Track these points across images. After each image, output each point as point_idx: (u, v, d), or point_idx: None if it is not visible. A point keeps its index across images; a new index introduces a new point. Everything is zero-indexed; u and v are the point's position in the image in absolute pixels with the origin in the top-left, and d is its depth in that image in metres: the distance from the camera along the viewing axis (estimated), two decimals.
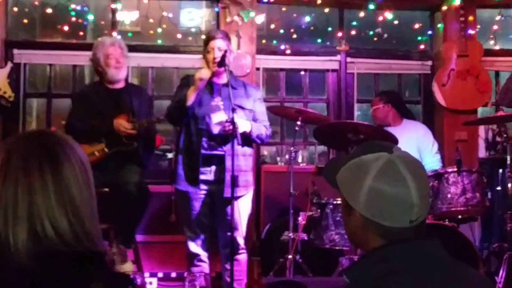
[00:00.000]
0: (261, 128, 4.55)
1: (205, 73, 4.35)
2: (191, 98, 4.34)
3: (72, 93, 6.21)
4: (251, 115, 4.55)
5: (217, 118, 4.32)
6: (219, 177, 4.41)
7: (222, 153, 4.38)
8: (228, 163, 4.27)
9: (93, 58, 5.00)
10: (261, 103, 4.69)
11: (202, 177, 4.43)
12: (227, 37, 4.59)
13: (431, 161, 5.57)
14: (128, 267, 4.73)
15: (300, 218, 4.81)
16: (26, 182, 1.42)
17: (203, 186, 4.44)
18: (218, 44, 4.46)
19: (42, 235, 1.39)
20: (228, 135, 4.27)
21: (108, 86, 5.02)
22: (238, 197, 4.42)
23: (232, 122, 4.17)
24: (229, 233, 4.28)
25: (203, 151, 4.41)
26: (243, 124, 4.35)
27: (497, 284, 4.47)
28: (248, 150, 4.57)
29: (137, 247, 5.07)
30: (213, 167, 4.44)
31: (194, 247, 4.49)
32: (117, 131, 4.74)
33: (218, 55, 4.41)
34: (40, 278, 1.37)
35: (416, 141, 5.62)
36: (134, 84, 5.40)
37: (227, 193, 4.27)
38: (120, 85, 5.04)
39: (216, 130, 4.33)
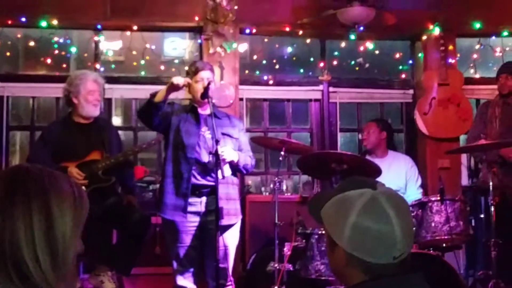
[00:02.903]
0: (247, 158, 4.59)
1: (180, 80, 4.36)
2: (160, 96, 4.33)
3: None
4: (237, 144, 4.59)
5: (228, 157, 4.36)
6: (209, 208, 4.40)
7: (212, 182, 4.37)
8: (219, 192, 4.24)
9: (72, 89, 4.88)
10: (244, 134, 4.76)
11: (192, 209, 4.41)
12: (212, 69, 4.64)
13: (415, 193, 5.64)
14: None
15: (285, 249, 4.79)
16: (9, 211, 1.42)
17: (193, 218, 4.42)
18: (207, 75, 4.50)
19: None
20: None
21: (78, 121, 4.94)
22: (230, 226, 4.45)
23: (216, 153, 4.18)
24: (219, 264, 4.25)
25: (193, 180, 4.40)
26: (231, 154, 4.38)
27: None
28: (235, 179, 4.60)
29: (122, 279, 5.05)
30: (204, 198, 4.43)
31: (182, 280, 4.47)
32: None
33: (206, 85, 4.44)
34: None
35: (404, 172, 5.72)
36: (103, 118, 5.35)
37: (221, 222, 4.25)
38: (90, 119, 4.97)
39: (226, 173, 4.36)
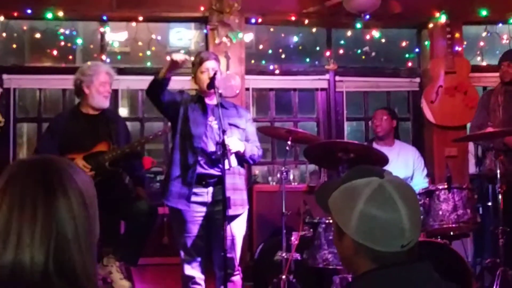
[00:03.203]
0: (254, 148, 4.58)
1: (179, 56, 4.32)
2: (162, 73, 4.33)
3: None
4: (244, 135, 4.58)
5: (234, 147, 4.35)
6: (216, 198, 4.40)
7: (219, 172, 4.37)
8: (226, 182, 4.23)
9: (84, 79, 4.88)
10: (252, 124, 4.73)
11: (198, 199, 4.41)
12: (217, 59, 4.63)
13: (421, 182, 5.64)
14: (125, 284, 4.74)
15: (292, 238, 4.80)
16: (18, 211, 1.41)
17: (200, 208, 4.42)
18: (212, 65, 4.49)
19: (24, 266, 1.39)
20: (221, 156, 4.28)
21: (85, 113, 4.95)
22: (236, 216, 4.44)
23: (223, 143, 4.18)
24: (226, 254, 4.26)
25: (200, 169, 4.41)
26: (237, 144, 4.37)
27: None
28: (242, 169, 4.60)
29: (130, 270, 5.06)
30: (210, 189, 4.44)
31: (190, 270, 4.48)
32: None
33: (212, 75, 4.44)
34: None
35: (412, 161, 5.73)
36: (110, 110, 5.37)
37: (227, 212, 4.25)
38: (98, 111, 4.98)
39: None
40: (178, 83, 6.40)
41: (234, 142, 4.33)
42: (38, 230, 1.39)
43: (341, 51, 6.86)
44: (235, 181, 4.45)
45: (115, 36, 6.79)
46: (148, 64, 6.60)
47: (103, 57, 6.40)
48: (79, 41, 6.59)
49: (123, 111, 7.14)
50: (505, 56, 5.72)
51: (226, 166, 4.22)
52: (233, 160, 4.39)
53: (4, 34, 6.37)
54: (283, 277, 4.72)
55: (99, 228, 1.52)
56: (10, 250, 1.38)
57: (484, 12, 6.56)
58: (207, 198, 4.43)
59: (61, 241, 1.40)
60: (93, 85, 4.87)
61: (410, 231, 1.60)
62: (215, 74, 4.42)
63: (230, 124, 4.45)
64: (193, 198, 4.41)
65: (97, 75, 4.88)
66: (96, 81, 4.87)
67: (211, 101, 4.52)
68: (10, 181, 1.45)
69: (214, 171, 4.42)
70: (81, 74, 4.92)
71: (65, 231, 1.41)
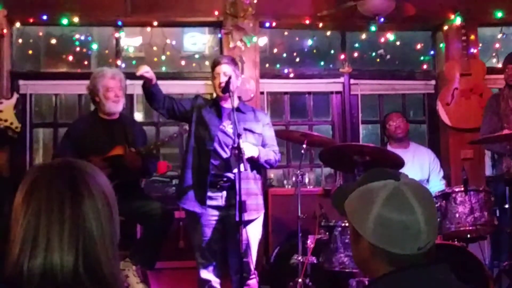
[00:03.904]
0: (270, 153, 4.56)
1: (140, 71, 4.41)
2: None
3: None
4: (261, 139, 4.58)
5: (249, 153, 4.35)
6: (230, 202, 4.41)
7: (232, 176, 4.38)
8: (237, 186, 4.23)
9: (92, 88, 4.95)
10: (270, 128, 4.71)
11: (212, 202, 4.43)
12: (233, 62, 4.62)
13: (438, 184, 5.63)
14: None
15: (308, 241, 4.79)
16: (46, 215, 1.43)
17: (214, 212, 4.44)
18: (224, 69, 4.49)
19: (55, 268, 1.41)
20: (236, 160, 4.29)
21: (103, 117, 4.99)
22: (251, 221, 4.43)
23: (238, 147, 4.18)
24: (242, 258, 4.26)
25: (213, 173, 4.42)
26: (251, 149, 4.37)
27: None
28: (257, 174, 4.59)
29: (147, 274, 5.08)
30: (224, 193, 4.45)
31: (206, 273, 4.49)
32: None
33: (223, 80, 4.44)
34: None
35: (428, 163, 5.73)
36: (127, 115, 5.41)
37: (238, 217, 4.26)
38: (115, 116, 5.02)
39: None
40: (192, 87, 6.45)
41: (247, 147, 4.33)
42: (66, 233, 1.42)
43: (355, 54, 6.85)
44: (249, 186, 4.45)
45: (130, 41, 6.83)
46: (163, 69, 6.63)
47: (118, 62, 6.43)
48: (94, 46, 6.63)
49: (138, 116, 7.16)
50: (510, 59, 5.64)
51: (240, 170, 4.22)
52: (246, 164, 4.35)
53: (20, 41, 6.42)
54: (299, 280, 4.71)
55: (119, 229, 1.54)
56: (40, 254, 1.41)
57: (499, 14, 6.53)
58: (221, 202, 4.44)
59: (89, 241, 1.43)
60: (100, 92, 4.90)
61: (426, 233, 1.59)
62: (229, 78, 4.42)
63: (245, 129, 4.45)
64: (208, 202, 4.42)
65: (101, 82, 4.90)
66: (101, 88, 4.90)
67: (227, 105, 4.53)
68: (34, 185, 1.48)
69: (227, 175, 4.42)
70: (90, 84, 4.99)
71: (92, 231, 1.44)
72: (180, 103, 4.61)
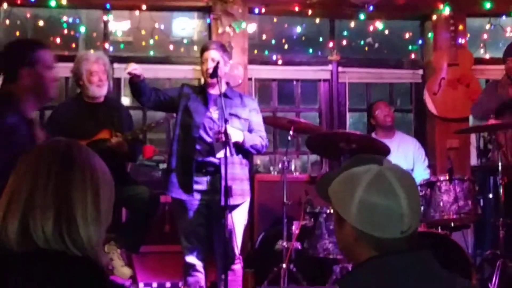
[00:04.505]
0: (256, 138, 4.57)
1: (128, 69, 4.46)
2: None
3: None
4: (247, 125, 4.58)
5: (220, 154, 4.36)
6: (214, 186, 4.42)
7: (217, 161, 4.39)
8: (223, 171, 4.26)
9: (76, 71, 4.92)
10: (257, 114, 4.71)
11: (197, 187, 4.45)
12: (221, 47, 4.62)
13: (423, 173, 5.65)
14: (126, 271, 4.76)
15: (293, 227, 4.81)
16: (31, 179, 1.49)
17: (198, 196, 4.46)
18: (212, 55, 4.49)
19: (32, 232, 1.45)
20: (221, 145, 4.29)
21: (87, 101, 4.96)
22: (235, 206, 4.45)
23: (225, 132, 4.18)
24: (226, 243, 4.28)
25: (199, 159, 4.43)
26: (236, 134, 4.37)
27: None
28: (243, 159, 4.60)
29: (132, 257, 5.09)
30: (208, 177, 4.46)
31: (191, 257, 4.50)
32: None
33: (211, 65, 4.43)
34: (25, 269, 1.43)
35: (412, 152, 5.75)
36: (113, 98, 5.38)
37: (223, 201, 4.28)
38: (100, 99, 4.99)
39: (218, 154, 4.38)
40: (180, 72, 6.44)
41: (233, 132, 4.33)
42: (48, 196, 1.47)
43: (344, 42, 6.85)
44: (235, 171, 4.46)
45: (118, 25, 6.79)
46: (151, 53, 6.59)
47: (106, 45, 6.40)
48: (82, 29, 6.58)
49: (126, 100, 7.13)
50: (510, 52, 5.65)
51: (222, 155, 4.23)
52: (229, 150, 4.34)
53: (7, 22, 6.36)
54: (284, 266, 4.73)
55: (111, 212, 1.59)
56: (20, 214, 1.46)
57: (488, 5, 6.54)
58: (206, 186, 4.46)
59: (69, 207, 1.48)
60: (83, 76, 4.87)
61: (409, 216, 1.61)
62: (217, 64, 4.42)
63: (231, 114, 4.45)
64: (194, 186, 4.43)
65: (85, 65, 4.87)
66: (85, 72, 4.86)
67: (214, 91, 4.53)
68: (27, 157, 1.55)
69: (212, 160, 4.43)
70: (74, 67, 4.96)
71: (74, 198, 1.49)
72: (166, 93, 4.62)
